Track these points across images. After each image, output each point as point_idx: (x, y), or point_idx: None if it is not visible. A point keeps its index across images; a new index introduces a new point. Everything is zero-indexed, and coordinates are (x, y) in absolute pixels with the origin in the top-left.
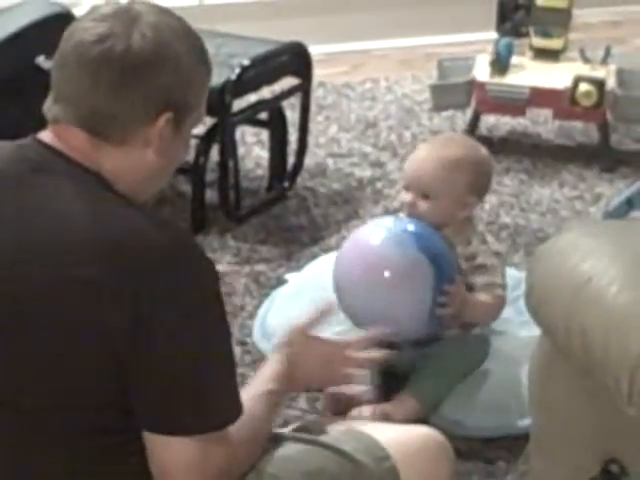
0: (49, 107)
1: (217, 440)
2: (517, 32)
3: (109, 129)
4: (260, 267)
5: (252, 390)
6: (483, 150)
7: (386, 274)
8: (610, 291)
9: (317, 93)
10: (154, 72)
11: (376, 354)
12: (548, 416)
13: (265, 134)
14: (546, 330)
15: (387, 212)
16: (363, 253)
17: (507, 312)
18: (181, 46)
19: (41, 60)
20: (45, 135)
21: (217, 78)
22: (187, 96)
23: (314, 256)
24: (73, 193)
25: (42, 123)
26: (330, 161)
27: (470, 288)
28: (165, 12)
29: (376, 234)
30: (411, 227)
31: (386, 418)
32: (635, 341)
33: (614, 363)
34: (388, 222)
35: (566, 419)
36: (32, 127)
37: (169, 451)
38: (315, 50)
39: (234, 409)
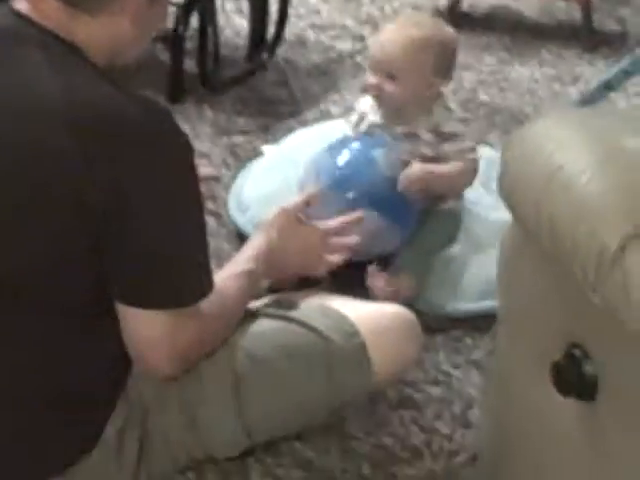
0: None
1: (188, 314)
2: None
3: None
4: (237, 139)
5: (231, 268)
6: (449, 30)
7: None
8: (580, 180)
9: None
10: None
11: (355, 239)
12: (515, 299)
13: (245, 3)
14: (517, 216)
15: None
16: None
17: (479, 192)
18: None
19: None
20: (20, 3)
21: None
22: None
23: (291, 129)
24: (44, 62)
25: None
26: (310, 33)
27: (439, 158)
28: None
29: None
30: (336, 174)
31: (395, 291)
32: (602, 230)
33: (581, 251)
34: (311, 177)
35: (532, 303)
36: None
37: (141, 323)
38: None
39: (206, 284)
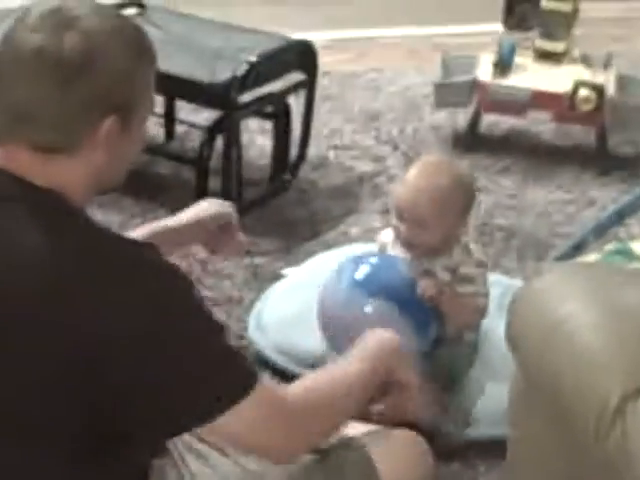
0: None
1: (260, 404)
2: (523, 25)
3: (54, 140)
4: (259, 260)
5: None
6: (466, 170)
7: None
8: (582, 335)
9: (322, 82)
10: (90, 78)
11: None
12: (522, 442)
13: (269, 123)
14: (521, 365)
15: (385, 209)
16: (331, 320)
17: (497, 319)
18: (115, 46)
19: None
20: None
21: (224, 72)
22: (129, 95)
23: (312, 251)
24: (28, 222)
25: None
26: (332, 153)
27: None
28: (97, 11)
29: (330, 302)
30: (357, 276)
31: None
32: (603, 386)
33: (583, 406)
34: (333, 281)
35: (538, 448)
36: None
37: (227, 433)
38: (322, 36)
39: (247, 378)
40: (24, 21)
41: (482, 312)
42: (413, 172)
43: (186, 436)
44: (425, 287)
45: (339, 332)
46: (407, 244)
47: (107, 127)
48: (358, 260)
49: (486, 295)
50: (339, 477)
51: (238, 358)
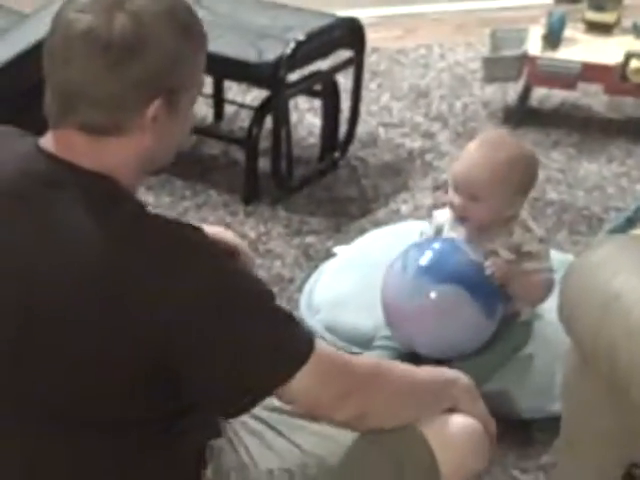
0: (47, 107)
1: (319, 366)
2: None
3: (104, 121)
4: (310, 239)
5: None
6: (529, 150)
7: (426, 321)
8: (637, 309)
9: (370, 59)
10: (137, 60)
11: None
12: (577, 417)
13: (318, 101)
14: (575, 342)
15: (436, 185)
16: (396, 314)
17: (551, 297)
18: (164, 28)
19: None
20: (47, 142)
21: (272, 51)
22: (177, 78)
23: (363, 229)
24: (80, 210)
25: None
26: (381, 130)
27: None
28: None
29: (395, 292)
30: (423, 263)
31: None
32: None
33: (637, 378)
34: (398, 270)
35: (593, 422)
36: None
37: (292, 394)
38: (369, 13)
39: (303, 346)
40: (74, 1)
41: (550, 287)
42: (472, 145)
43: (243, 416)
44: (494, 267)
45: (406, 323)
46: (459, 216)
47: (155, 109)
48: (421, 247)
49: (551, 270)
50: (396, 460)
51: (293, 323)
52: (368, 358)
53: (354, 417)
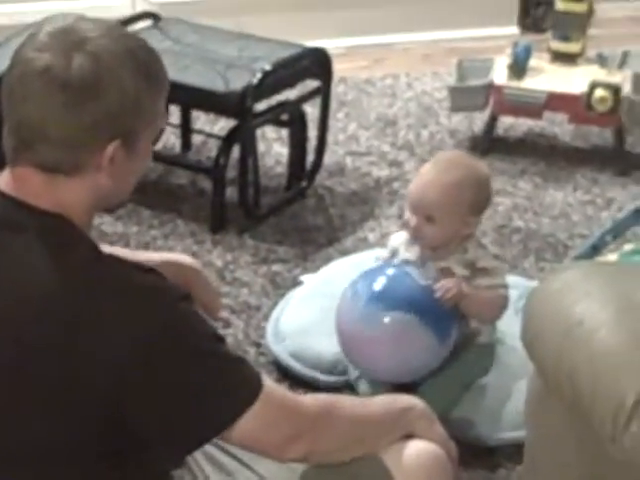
0: (6, 145)
1: (267, 407)
2: (538, 27)
3: (60, 160)
4: (277, 267)
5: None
6: (483, 168)
7: (379, 349)
8: (599, 334)
9: (338, 89)
10: (96, 100)
11: None
12: (540, 444)
13: (285, 131)
14: (538, 367)
15: (402, 213)
16: (349, 342)
17: (513, 322)
18: (123, 69)
19: None
20: (2, 181)
21: (239, 81)
22: (136, 120)
23: (330, 257)
24: (37, 251)
25: None
26: (349, 159)
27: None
28: (109, 33)
29: (347, 320)
30: (373, 290)
31: None
32: (620, 385)
33: (599, 405)
34: (349, 299)
35: (556, 448)
36: None
37: (241, 438)
38: (337, 43)
39: (250, 388)
40: (34, 39)
41: (504, 304)
42: (426, 165)
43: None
44: (443, 289)
45: (360, 353)
46: (415, 237)
47: (112, 151)
48: (371, 274)
49: (506, 287)
50: None
51: (241, 365)
52: (318, 397)
53: (303, 457)
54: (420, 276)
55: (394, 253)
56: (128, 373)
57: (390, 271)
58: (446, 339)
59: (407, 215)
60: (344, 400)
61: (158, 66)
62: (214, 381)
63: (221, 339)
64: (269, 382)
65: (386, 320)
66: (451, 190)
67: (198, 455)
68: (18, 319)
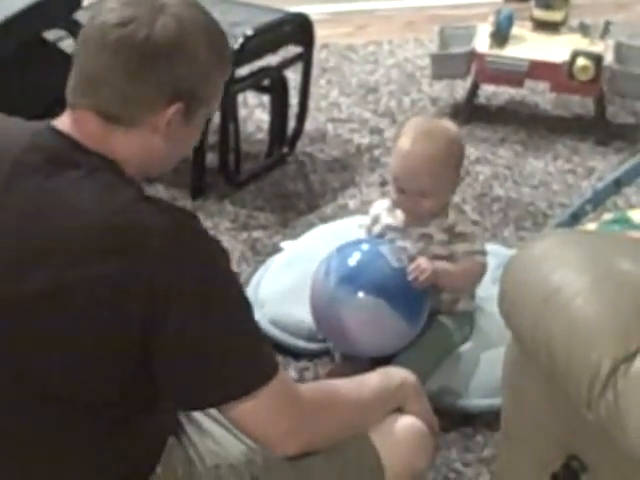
0: (70, 87)
1: (275, 397)
2: None
3: (121, 111)
4: (257, 234)
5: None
6: (450, 124)
7: (347, 329)
8: (576, 302)
9: (320, 55)
10: (170, 63)
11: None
12: (516, 410)
13: (267, 97)
14: (515, 336)
15: (383, 181)
16: (320, 319)
17: (489, 289)
18: (201, 41)
19: (47, 33)
20: (61, 122)
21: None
22: (201, 90)
23: (310, 224)
24: (86, 186)
25: (49, 95)
26: (330, 126)
27: (450, 257)
28: (193, 5)
29: (318, 298)
30: (344, 271)
31: None
32: (596, 352)
33: (575, 371)
34: (322, 277)
35: (533, 415)
36: (40, 100)
37: (240, 417)
38: (320, 9)
39: (269, 367)
40: None
41: (481, 272)
42: (405, 140)
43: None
44: (417, 271)
45: (331, 329)
46: (410, 214)
47: (172, 113)
48: (344, 253)
49: (484, 253)
50: (341, 461)
51: (264, 346)
52: (316, 388)
53: (301, 451)
54: (393, 257)
55: (375, 220)
56: (160, 313)
57: (364, 251)
58: (416, 322)
59: (395, 196)
60: (341, 387)
61: (227, 49)
62: (239, 346)
63: (252, 310)
64: (282, 369)
65: (355, 303)
66: (439, 161)
67: (184, 420)
68: (59, 252)
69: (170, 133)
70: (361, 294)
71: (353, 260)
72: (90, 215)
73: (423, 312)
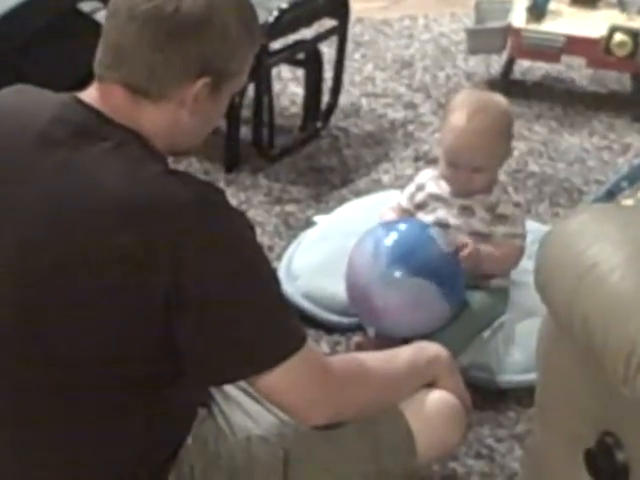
0: (98, 60)
1: (305, 366)
2: None
3: (148, 84)
4: (290, 208)
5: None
6: (500, 97)
7: (393, 310)
8: (612, 277)
9: (355, 29)
10: (198, 36)
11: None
12: (552, 383)
13: (301, 71)
14: (551, 311)
15: (417, 156)
16: (362, 297)
17: (528, 264)
18: (231, 15)
19: (83, 5)
20: (88, 95)
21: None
22: (228, 64)
23: (343, 198)
24: (112, 160)
25: (83, 68)
26: (364, 101)
27: (489, 236)
28: None
29: (364, 277)
30: (396, 253)
31: None
32: (633, 327)
33: (612, 347)
34: (369, 256)
35: (567, 390)
36: (74, 70)
37: (269, 388)
38: None
39: (296, 338)
40: None
41: (519, 255)
42: (460, 116)
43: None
44: (467, 257)
45: (371, 307)
46: (460, 189)
47: (199, 87)
48: (395, 232)
49: (523, 237)
50: (373, 435)
51: (292, 316)
52: (347, 360)
53: (328, 421)
54: (443, 241)
55: (420, 188)
56: (185, 285)
57: (415, 233)
58: (457, 305)
59: (447, 172)
60: (372, 359)
61: (257, 23)
62: (267, 317)
63: (279, 283)
64: (310, 340)
65: (406, 285)
66: (495, 135)
67: (214, 391)
68: (86, 224)
69: (197, 107)
70: (413, 277)
71: (406, 243)
72: (115, 188)
73: (463, 294)
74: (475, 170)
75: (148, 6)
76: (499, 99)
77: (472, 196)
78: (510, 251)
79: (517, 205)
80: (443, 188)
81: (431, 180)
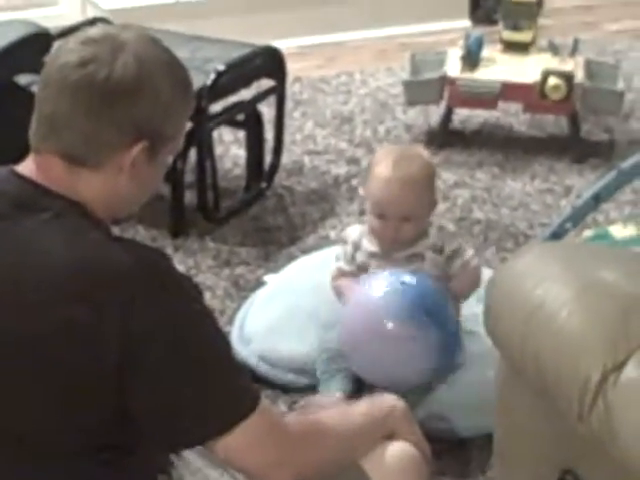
0: (33, 131)
1: (259, 425)
2: (489, 19)
3: (85, 153)
4: (239, 269)
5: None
6: (424, 151)
7: (405, 361)
8: (561, 315)
9: (293, 88)
10: (132, 102)
11: None
12: (509, 428)
13: (242, 133)
14: (502, 352)
15: (363, 210)
16: (367, 326)
17: (474, 309)
18: (163, 79)
19: (20, 78)
20: (25, 167)
21: (193, 83)
22: (164, 128)
23: (292, 256)
24: (52, 231)
25: (22, 140)
26: (306, 158)
27: (448, 276)
28: (152, 43)
29: (376, 303)
30: (409, 289)
31: None
32: (584, 364)
33: (565, 385)
34: (383, 288)
35: (525, 432)
36: (12, 144)
37: (227, 451)
38: (290, 43)
39: (249, 399)
40: (79, 35)
41: (479, 269)
42: (384, 167)
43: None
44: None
45: (377, 353)
46: (389, 241)
47: (136, 152)
48: (404, 288)
49: (474, 256)
50: None
51: (244, 378)
52: (302, 419)
53: (287, 476)
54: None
55: (357, 247)
56: (135, 352)
57: (420, 284)
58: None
59: (375, 222)
60: (327, 416)
61: (190, 84)
62: (219, 380)
63: (229, 344)
64: (265, 401)
65: (427, 337)
66: (420, 183)
67: (177, 461)
68: (30, 298)
69: (135, 173)
70: (436, 328)
71: (420, 295)
72: (58, 259)
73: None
74: (404, 219)
75: (80, 75)
76: (420, 150)
77: (414, 244)
78: (472, 275)
79: (453, 235)
80: (377, 244)
81: (364, 237)
